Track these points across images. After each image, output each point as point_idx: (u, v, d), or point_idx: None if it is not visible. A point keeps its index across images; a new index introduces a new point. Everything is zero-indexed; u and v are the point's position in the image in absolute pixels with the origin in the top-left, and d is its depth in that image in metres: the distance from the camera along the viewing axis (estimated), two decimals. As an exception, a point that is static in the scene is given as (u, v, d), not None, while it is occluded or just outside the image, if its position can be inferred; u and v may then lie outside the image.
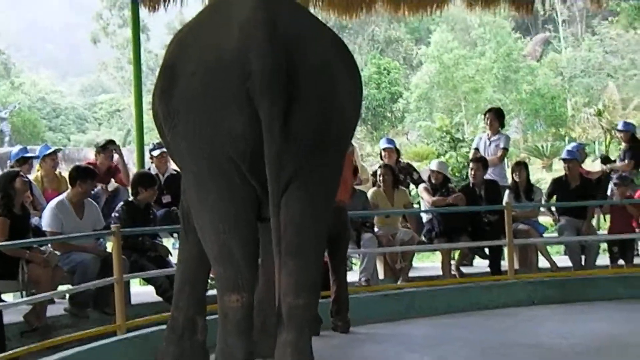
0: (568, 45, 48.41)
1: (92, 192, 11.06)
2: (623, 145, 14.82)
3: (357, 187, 11.72)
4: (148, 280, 10.75)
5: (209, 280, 6.45)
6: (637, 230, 12.75)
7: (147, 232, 10.48)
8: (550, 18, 51.97)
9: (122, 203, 10.71)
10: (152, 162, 12.46)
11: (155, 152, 12.22)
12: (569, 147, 14.59)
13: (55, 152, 12.09)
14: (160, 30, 56.06)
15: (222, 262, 5.20)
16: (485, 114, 14.09)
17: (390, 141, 13.88)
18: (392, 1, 16.97)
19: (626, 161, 14.03)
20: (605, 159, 14.92)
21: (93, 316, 9.80)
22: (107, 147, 12.26)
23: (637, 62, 40.63)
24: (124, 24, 54.38)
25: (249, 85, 4.81)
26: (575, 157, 13.02)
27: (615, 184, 13.14)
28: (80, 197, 10.28)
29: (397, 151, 13.59)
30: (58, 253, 9.76)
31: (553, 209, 13.15)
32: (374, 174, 12.92)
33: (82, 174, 10.36)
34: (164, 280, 10.12)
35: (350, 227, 9.67)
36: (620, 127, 14.85)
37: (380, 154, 13.61)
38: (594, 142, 33.74)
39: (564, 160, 13.12)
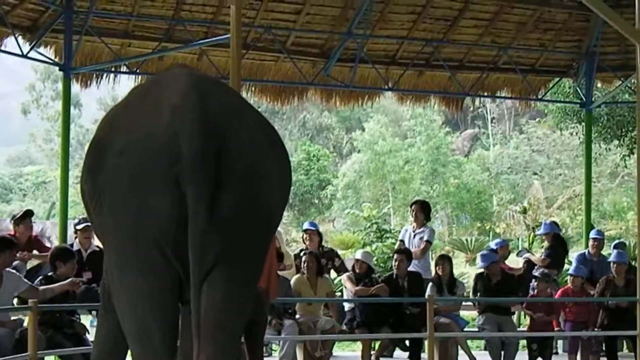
0: (496, 142, 49.23)
1: (12, 263, 10.89)
2: (545, 243, 15.01)
3: (280, 273, 11.70)
4: (64, 358, 10.55)
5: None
6: (556, 328, 12.87)
7: (65, 308, 10.31)
8: (479, 115, 52.91)
9: (40, 277, 10.55)
10: (75, 237, 12.33)
11: (80, 226, 12.08)
12: (492, 244, 14.82)
13: None
14: (93, 105, 55.96)
15: (140, 343, 5.13)
16: (411, 206, 14.19)
17: (313, 224, 13.94)
18: (324, 91, 17.26)
19: (542, 257, 14.25)
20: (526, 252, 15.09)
21: (5, 392, 9.57)
22: (25, 218, 12.09)
23: (562, 162, 41.39)
24: (56, 97, 54.09)
25: (178, 168, 4.79)
26: (492, 261, 13.07)
27: (535, 279, 13.27)
28: (-1, 268, 10.09)
29: (320, 234, 13.59)
30: (-27, 325, 9.58)
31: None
32: (296, 257, 12.94)
33: (1, 245, 10.18)
34: (79, 358, 9.95)
35: (267, 312, 9.62)
36: (542, 230, 15.04)
37: (302, 236, 13.64)
38: (518, 239, 34.11)
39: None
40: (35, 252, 12.01)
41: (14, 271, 10.46)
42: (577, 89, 18.41)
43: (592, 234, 14.52)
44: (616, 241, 15.13)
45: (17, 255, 11.34)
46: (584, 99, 17.76)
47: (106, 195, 5.03)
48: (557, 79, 18.37)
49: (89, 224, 11.16)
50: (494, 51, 17.18)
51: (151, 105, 5.03)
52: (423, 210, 13.70)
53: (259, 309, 8.76)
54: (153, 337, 5.08)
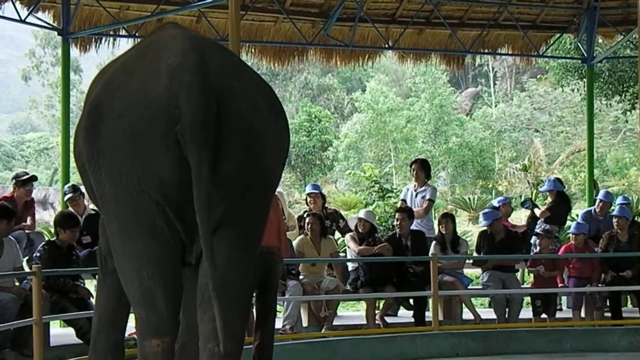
0: (498, 100, 49.05)
1: (10, 232, 10.91)
2: (549, 199, 14.99)
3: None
4: (68, 322, 10.58)
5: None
6: (560, 285, 12.88)
7: (68, 273, 10.32)
8: (481, 73, 52.69)
9: (43, 243, 10.56)
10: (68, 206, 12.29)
11: (66, 197, 12.06)
12: (494, 202, 14.83)
13: None
14: (93, 70, 55.52)
15: (144, 306, 5.11)
16: (411, 165, 14.14)
17: (316, 187, 13.87)
18: (324, 51, 17.18)
19: (544, 209, 14.26)
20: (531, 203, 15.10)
21: (10, 357, 9.61)
22: (28, 182, 12.04)
23: (564, 119, 41.26)
24: (56, 63, 53.79)
25: (178, 129, 4.76)
26: (494, 218, 13.03)
27: (537, 236, 13.28)
28: (-3, 236, 10.09)
29: (323, 197, 13.56)
30: (-24, 292, 9.58)
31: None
32: (300, 219, 12.92)
33: None
34: (84, 323, 9.95)
35: (280, 272, 9.59)
36: (546, 187, 14.99)
37: (306, 199, 13.60)
38: (520, 196, 34.08)
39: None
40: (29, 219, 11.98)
41: (15, 241, 10.47)
42: (578, 44, 18.35)
43: (601, 196, 14.43)
44: (620, 197, 15.08)
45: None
46: (585, 54, 17.69)
47: (105, 159, 4.99)
48: (558, 34, 18.29)
49: (74, 194, 11.34)
50: (494, 7, 17.09)
51: (148, 67, 4.99)
52: (423, 169, 13.63)
53: (270, 269, 8.74)
54: (157, 301, 5.07)
